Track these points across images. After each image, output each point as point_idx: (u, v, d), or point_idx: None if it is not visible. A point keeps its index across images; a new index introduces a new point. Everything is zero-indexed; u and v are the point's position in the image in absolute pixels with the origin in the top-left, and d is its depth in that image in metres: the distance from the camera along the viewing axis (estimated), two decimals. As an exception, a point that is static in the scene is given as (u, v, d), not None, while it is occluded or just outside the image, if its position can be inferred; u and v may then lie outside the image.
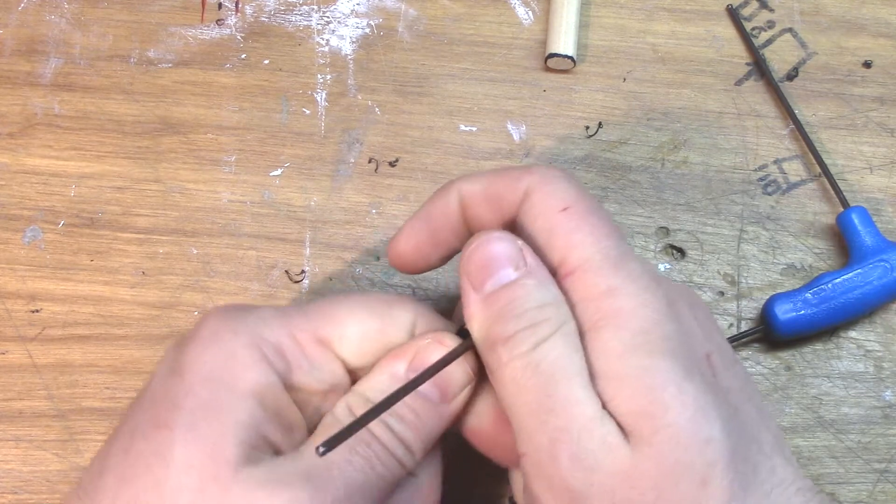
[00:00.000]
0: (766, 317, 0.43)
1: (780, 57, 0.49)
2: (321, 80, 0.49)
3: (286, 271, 0.45)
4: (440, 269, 0.45)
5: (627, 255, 0.31)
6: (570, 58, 0.48)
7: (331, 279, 0.45)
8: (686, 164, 0.47)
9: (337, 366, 0.33)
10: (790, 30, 0.50)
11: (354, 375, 0.34)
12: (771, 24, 0.50)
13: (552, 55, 0.48)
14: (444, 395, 0.33)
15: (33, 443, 0.42)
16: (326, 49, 0.49)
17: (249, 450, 0.30)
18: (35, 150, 0.47)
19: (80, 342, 0.44)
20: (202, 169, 0.47)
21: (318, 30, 0.50)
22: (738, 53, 0.49)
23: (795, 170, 0.47)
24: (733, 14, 0.50)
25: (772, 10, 0.50)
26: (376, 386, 0.33)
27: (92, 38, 0.49)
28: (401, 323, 0.34)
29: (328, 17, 0.50)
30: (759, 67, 0.49)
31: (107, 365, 0.43)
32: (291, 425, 0.32)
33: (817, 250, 0.45)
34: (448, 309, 0.44)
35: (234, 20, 0.50)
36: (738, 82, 0.49)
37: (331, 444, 0.28)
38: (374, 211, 0.46)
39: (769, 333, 0.43)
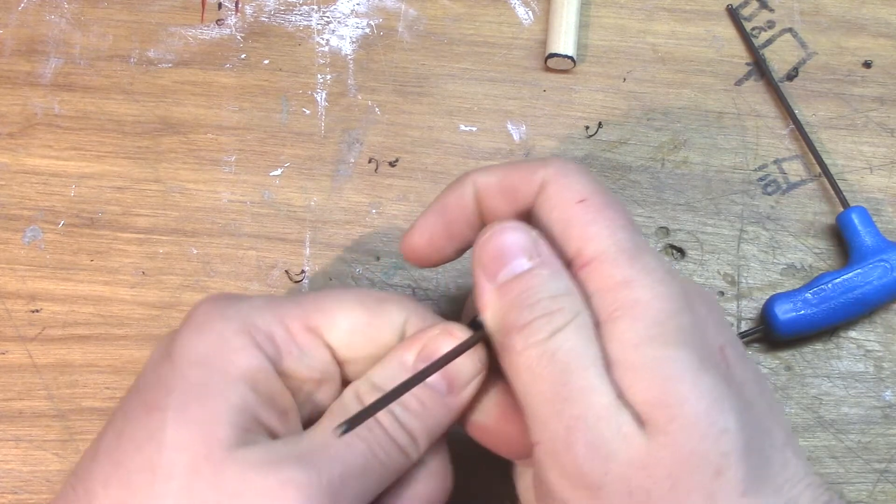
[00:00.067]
0: (766, 317, 0.43)
1: (780, 57, 0.49)
2: (321, 80, 0.49)
3: (286, 271, 0.45)
4: (440, 270, 0.45)
5: (643, 248, 0.31)
6: (570, 58, 0.48)
7: (331, 279, 0.45)
8: (686, 164, 0.47)
9: (326, 355, 0.33)
10: (790, 30, 0.50)
11: (344, 368, 0.34)
12: (771, 24, 0.50)
13: (552, 55, 0.48)
14: (451, 386, 0.33)
15: (33, 443, 0.42)
16: (326, 49, 0.49)
17: (243, 432, 0.30)
18: (35, 150, 0.47)
19: (80, 342, 0.44)
20: (202, 169, 0.47)
21: (318, 30, 0.50)
22: (738, 53, 0.49)
23: (795, 170, 0.47)
24: (733, 14, 0.50)
25: (772, 10, 0.50)
26: (385, 373, 0.33)
27: (92, 38, 0.49)
28: (391, 319, 0.34)
29: (328, 17, 0.50)
30: (759, 67, 0.49)
31: (107, 365, 0.43)
32: (285, 410, 0.32)
33: (817, 250, 0.45)
34: (448, 309, 0.44)
35: (234, 20, 0.50)
36: (738, 82, 0.49)
37: (352, 423, 0.28)
38: (374, 211, 0.46)
39: (769, 333, 0.43)
